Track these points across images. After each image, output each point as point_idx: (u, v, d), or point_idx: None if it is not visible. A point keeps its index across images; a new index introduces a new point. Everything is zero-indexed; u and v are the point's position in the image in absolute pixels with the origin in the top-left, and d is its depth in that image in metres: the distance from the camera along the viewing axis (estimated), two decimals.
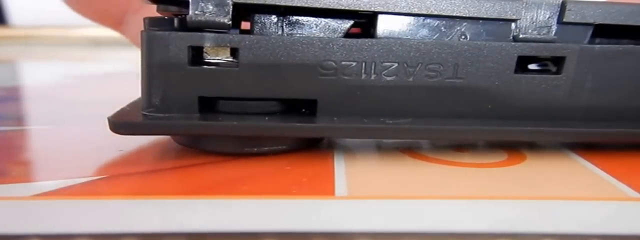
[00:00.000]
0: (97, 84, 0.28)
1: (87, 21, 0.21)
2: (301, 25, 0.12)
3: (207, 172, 0.11)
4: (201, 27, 0.11)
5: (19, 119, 0.18)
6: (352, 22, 0.12)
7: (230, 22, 0.11)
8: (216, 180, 0.11)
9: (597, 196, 0.10)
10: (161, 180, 0.11)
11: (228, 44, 0.11)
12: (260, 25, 0.12)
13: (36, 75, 0.32)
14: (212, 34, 0.11)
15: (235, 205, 0.09)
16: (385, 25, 0.12)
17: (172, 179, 0.11)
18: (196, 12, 0.11)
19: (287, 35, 0.12)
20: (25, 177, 0.11)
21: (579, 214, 0.09)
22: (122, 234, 0.08)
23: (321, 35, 0.12)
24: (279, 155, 0.12)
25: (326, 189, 0.10)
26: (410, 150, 0.13)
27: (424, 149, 0.13)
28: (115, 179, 0.11)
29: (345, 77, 0.11)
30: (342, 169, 0.12)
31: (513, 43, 0.12)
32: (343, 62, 0.11)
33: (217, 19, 0.11)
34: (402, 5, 0.11)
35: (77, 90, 0.25)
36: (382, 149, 0.13)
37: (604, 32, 0.12)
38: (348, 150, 0.13)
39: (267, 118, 0.12)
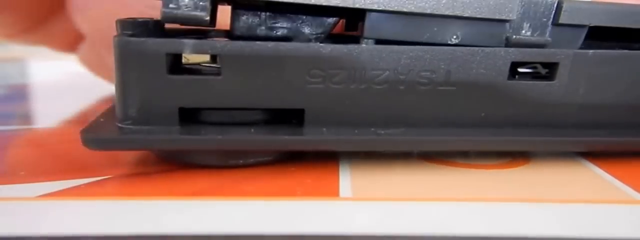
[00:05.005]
0: (106, 82, 0.28)
1: None
2: (284, 20, 0.11)
3: (211, 173, 0.11)
4: (176, 22, 0.10)
5: (27, 118, 0.18)
6: (338, 18, 0.11)
7: (208, 18, 0.10)
8: (220, 181, 0.11)
9: (602, 199, 0.10)
10: (167, 181, 0.11)
11: (209, 51, 0.10)
12: (241, 21, 0.11)
13: (45, 74, 0.32)
14: (192, 41, 0.10)
15: (240, 207, 0.09)
16: (374, 24, 0.11)
17: (177, 180, 0.11)
18: (171, 5, 0.10)
19: (270, 29, 0.11)
20: (31, 177, 0.11)
21: (584, 217, 0.09)
22: (128, 236, 0.08)
23: (306, 32, 0.11)
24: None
25: (331, 190, 0.10)
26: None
27: (428, 151, 0.13)
28: (120, 179, 0.11)
29: (334, 86, 0.11)
30: (347, 170, 0.12)
31: (506, 48, 0.11)
32: (331, 70, 0.11)
33: (193, 13, 0.10)
34: (392, 3, 0.11)
35: (86, 89, 0.25)
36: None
37: (594, 34, 0.12)
38: (353, 152, 0.13)
39: (252, 129, 0.11)
